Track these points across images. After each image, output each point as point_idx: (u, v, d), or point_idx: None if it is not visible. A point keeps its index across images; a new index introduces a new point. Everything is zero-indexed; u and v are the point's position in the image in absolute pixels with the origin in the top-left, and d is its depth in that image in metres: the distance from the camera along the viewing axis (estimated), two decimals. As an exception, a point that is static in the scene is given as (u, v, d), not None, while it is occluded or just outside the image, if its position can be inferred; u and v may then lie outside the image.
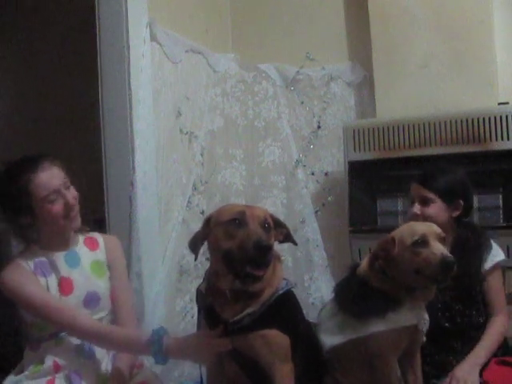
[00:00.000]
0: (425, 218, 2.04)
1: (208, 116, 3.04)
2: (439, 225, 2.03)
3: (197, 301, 1.76)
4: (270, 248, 1.50)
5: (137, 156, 2.48)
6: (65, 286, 1.78)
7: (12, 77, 4.19)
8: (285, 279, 1.70)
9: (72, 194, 1.77)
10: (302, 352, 1.68)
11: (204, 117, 3.01)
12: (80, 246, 1.88)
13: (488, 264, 2.05)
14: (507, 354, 2.03)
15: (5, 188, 1.75)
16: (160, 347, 1.60)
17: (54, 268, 1.79)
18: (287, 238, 1.71)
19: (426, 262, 1.68)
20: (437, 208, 2.07)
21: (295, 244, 1.76)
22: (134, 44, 2.51)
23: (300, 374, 1.66)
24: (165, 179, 2.68)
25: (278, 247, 1.79)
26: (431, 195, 2.07)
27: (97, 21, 2.53)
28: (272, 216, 1.67)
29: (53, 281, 1.78)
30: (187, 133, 2.86)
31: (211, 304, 1.64)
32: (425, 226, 1.77)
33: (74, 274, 1.81)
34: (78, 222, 1.81)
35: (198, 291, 1.73)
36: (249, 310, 1.58)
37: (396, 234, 1.78)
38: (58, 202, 1.73)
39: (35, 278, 1.75)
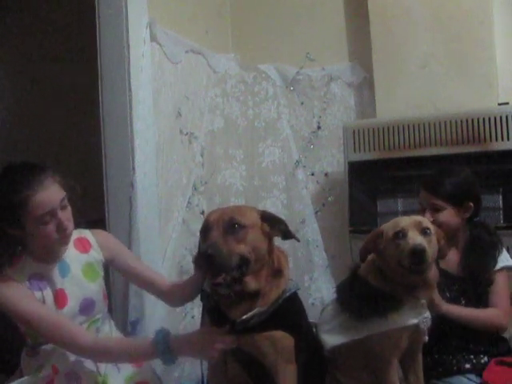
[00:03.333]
0: (438, 224, 2.01)
1: (208, 116, 3.05)
2: (452, 229, 2.05)
3: (201, 299, 1.75)
4: (209, 256, 1.48)
5: (137, 156, 2.48)
6: (60, 298, 1.74)
7: (11, 77, 4.19)
8: (291, 280, 1.70)
9: (66, 215, 1.70)
10: (304, 352, 1.68)
11: (204, 117, 3.01)
12: (70, 251, 1.82)
13: (497, 265, 2.06)
14: (507, 354, 2.03)
15: (5, 197, 1.65)
16: (166, 346, 1.59)
17: (50, 281, 1.74)
18: (286, 234, 1.68)
19: (401, 253, 1.70)
20: (448, 214, 2.06)
21: (297, 240, 1.74)
22: (134, 44, 2.50)
23: (302, 373, 1.67)
24: (165, 179, 2.68)
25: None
26: (441, 203, 2.06)
27: (97, 21, 2.52)
28: (265, 214, 1.66)
29: (48, 294, 1.73)
30: (187, 133, 2.86)
31: (217, 303, 1.64)
32: (408, 219, 1.78)
33: (66, 284, 1.77)
34: (68, 241, 1.76)
35: (203, 290, 1.72)
36: (257, 310, 1.58)
37: (384, 227, 1.80)
38: (52, 223, 1.67)
39: (30, 293, 1.69)
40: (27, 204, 1.62)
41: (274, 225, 1.65)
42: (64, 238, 1.72)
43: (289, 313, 1.63)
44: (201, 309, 1.86)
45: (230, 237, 1.54)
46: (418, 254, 1.66)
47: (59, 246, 1.75)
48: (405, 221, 1.77)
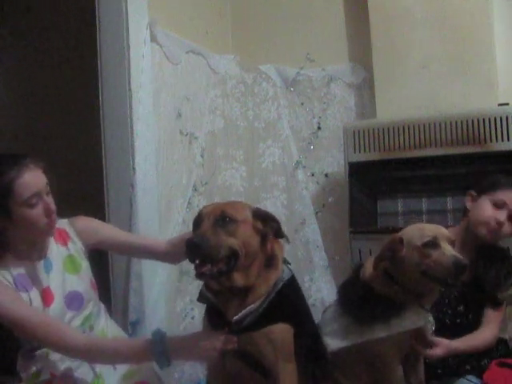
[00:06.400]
0: (503, 232, 2.00)
1: (208, 117, 3.04)
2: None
3: (198, 300, 1.73)
4: (194, 244, 1.49)
5: (137, 157, 2.48)
6: (47, 296, 1.69)
7: (12, 77, 4.19)
8: (285, 265, 1.69)
9: (51, 201, 1.66)
10: (305, 339, 1.67)
11: (204, 118, 3.01)
12: (51, 245, 1.76)
13: None
14: (507, 355, 2.03)
15: None
16: (163, 348, 1.56)
17: (36, 280, 1.69)
18: (277, 232, 1.67)
19: (436, 264, 1.66)
20: None
21: (287, 240, 1.73)
22: (135, 45, 2.51)
23: (302, 364, 1.66)
24: (165, 180, 2.68)
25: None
26: None
27: (97, 21, 2.53)
28: (257, 211, 1.65)
29: (35, 294, 1.67)
30: (187, 134, 2.86)
31: (212, 302, 1.64)
32: (435, 228, 1.74)
33: (50, 281, 1.71)
34: (53, 229, 1.71)
35: (200, 290, 1.71)
36: (249, 309, 1.58)
37: (404, 234, 1.75)
38: (38, 207, 1.62)
39: (16, 294, 1.62)
40: (13, 186, 1.58)
41: (267, 222, 1.64)
42: (50, 223, 1.66)
43: (285, 304, 1.62)
44: (201, 310, 1.85)
45: (219, 229, 1.54)
46: (462, 268, 1.63)
47: (46, 234, 1.69)
48: (433, 230, 1.72)
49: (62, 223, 1.83)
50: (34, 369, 1.71)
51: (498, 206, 2.00)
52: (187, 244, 1.50)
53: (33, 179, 1.62)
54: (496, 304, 2.01)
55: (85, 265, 1.83)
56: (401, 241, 1.73)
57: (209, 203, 1.72)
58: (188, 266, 2.73)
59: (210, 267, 1.51)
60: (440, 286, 1.72)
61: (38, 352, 1.71)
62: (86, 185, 3.28)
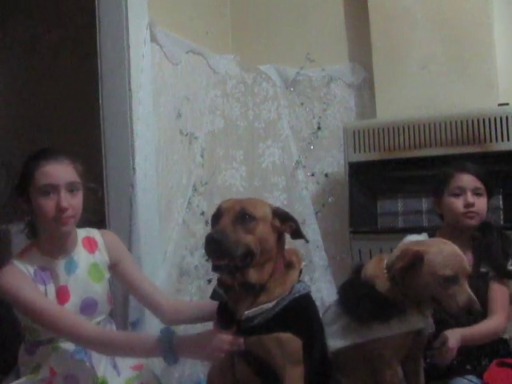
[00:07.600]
0: (475, 211, 2.03)
1: (208, 117, 3.05)
2: (480, 221, 2.04)
3: (211, 297, 1.73)
4: (213, 239, 1.50)
5: (137, 157, 2.48)
6: (62, 294, 1.74)
7: (11, 77, 4.19)
8: (301, 281, 1.69)
9: (73, 201, 1.70)
10: (313, 357, 1.67)
11: (204, 118, 3.01)
12: (78, 249, 1.82)
13: None
14: (508, 355, 2.02)
15: (23, 167, 1.73)
16: (170, 345, 1.58)
17: (54, 277, 1.74)
18: (296, 233, 1.66)
19: (450, 299, 1.65)
20: (485, 203, 2.07)
21: (306, 240, 1.72)
22: (134, 45, 2.50)
23: (310, 376, 1.66)
24: (165, 180, 2.68)
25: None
26: (482, 188, 2.06)
27: (97, 21, 2.52)
28: (277, 209, 1.66)
29: (51, 289, 1.73)
30: (187, 134, 2.86)
31: (223, 300, 1.64)
32: (459, 259, 1.70)
33: (70, 282, 1.76)
34: (68, 228, 1.73)
35: (214, 288, 1.71)
36: (262, 307, 1.58)
37: (427, 253, 1.69)
38: (51, 199, 1.67)
39: (34, 284, 1.69)
40: (35, 171, 1.68)
41: (285, 221, 1.64)
42: (60, 219, 1.68)
43: (297, 315, 1.62)
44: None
45: (238, 226, 1.54)
46: (472, 312, 1.63)
47: (55, 228, 1.71)
48: (457, 262, 1.68)
49: (93, 232, 1.90)
50: (34, 364, 1.73)
51: (459, 193, 2.07)
52: (207, 239, 1.51)
53: (54, 171, 1.69)
54: (506, 274, 2.01)
55: (106, 277, 1.87)
56: (421, 258, 1.68)
57: (229, 198, 1.70)
58: (188, 267, 2.74)
59: (227, 262, 1.52)
60: (444, 315, 1.70)
61: (41, 347, 1.73)
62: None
